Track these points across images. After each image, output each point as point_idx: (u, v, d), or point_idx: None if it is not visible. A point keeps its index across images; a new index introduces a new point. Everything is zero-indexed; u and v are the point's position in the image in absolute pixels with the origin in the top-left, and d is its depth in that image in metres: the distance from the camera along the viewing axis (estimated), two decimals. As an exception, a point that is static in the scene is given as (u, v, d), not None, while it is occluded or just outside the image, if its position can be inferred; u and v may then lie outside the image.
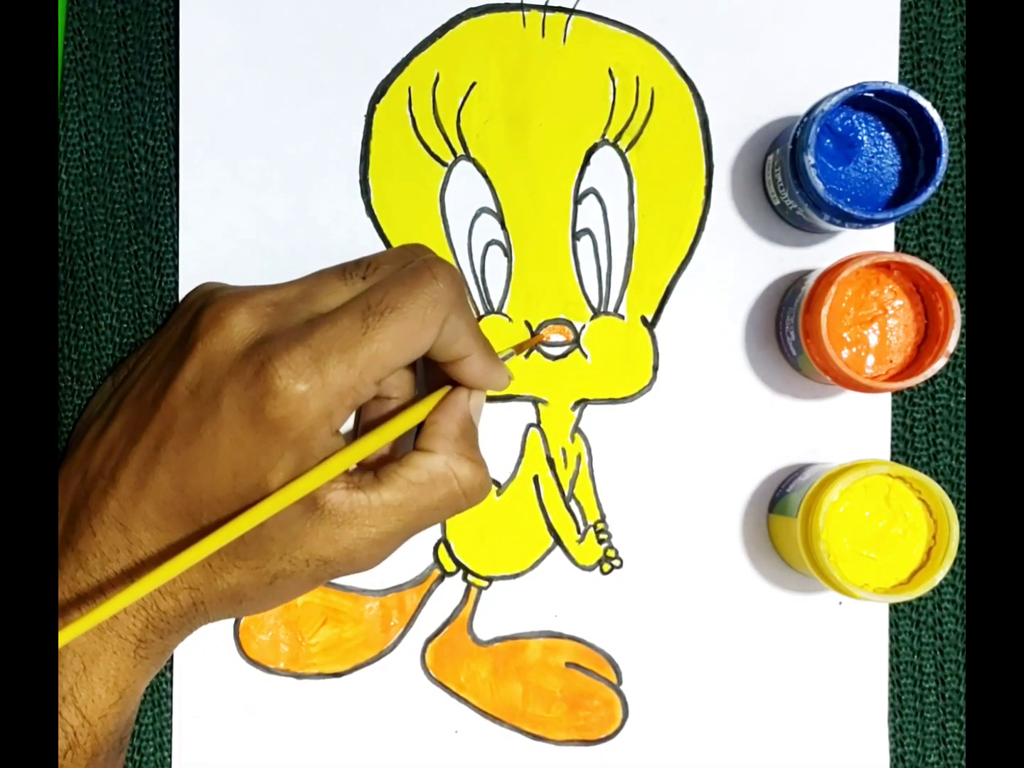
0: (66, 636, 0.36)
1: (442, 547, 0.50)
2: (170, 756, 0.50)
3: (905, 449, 0.50)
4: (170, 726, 0.50)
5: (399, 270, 0.40)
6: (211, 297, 0.42)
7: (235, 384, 0.38)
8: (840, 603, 0.50)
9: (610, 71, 0.50)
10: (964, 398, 0.50)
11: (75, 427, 0.48)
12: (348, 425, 0.47)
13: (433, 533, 0.50)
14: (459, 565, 0.50)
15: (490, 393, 0.50)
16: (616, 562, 0.50)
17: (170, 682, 0.50)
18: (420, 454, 0.41)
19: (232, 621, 0.50)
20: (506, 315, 0.50)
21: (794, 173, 0.46)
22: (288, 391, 0.37)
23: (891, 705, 0.50)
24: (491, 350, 0.44)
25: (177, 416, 0.39)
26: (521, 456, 0.50)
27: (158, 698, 0.50)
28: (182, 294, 0.50)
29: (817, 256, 0.50)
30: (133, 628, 0.41)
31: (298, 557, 0.40)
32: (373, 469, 0.41)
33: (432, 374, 0.46)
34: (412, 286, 0.39)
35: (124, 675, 0.41)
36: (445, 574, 0.50)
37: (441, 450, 0.41)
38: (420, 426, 0.43)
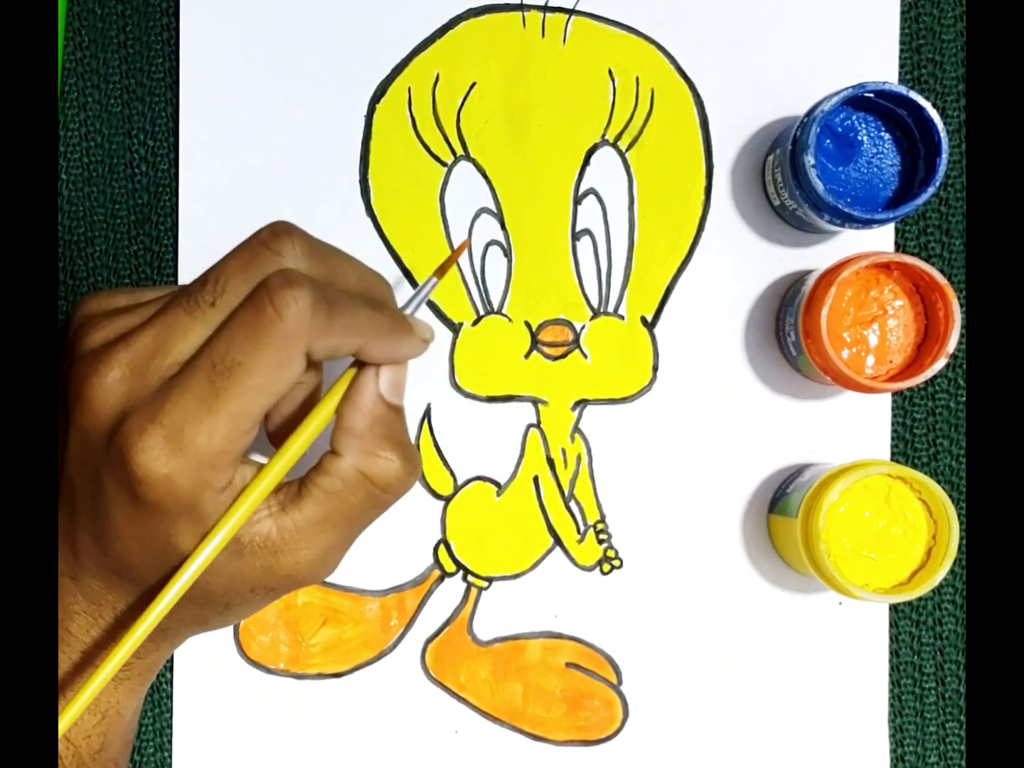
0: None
1: (442, 548, 0.50)
2: (170, 756, 0.50)
3: (905, 449, 0.50)
4: (170, 726, 0.50)
5: (243, 304, 0.36)
6: (76, 350, 0.39)
7: (107, 466, 0.36)
8: (840, 603, 0.50)
9: (610, 71, 0.50)
10: (964, 398, 0.50)
11: None
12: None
13: (433, 534, 0.50)
14: (459, 566, 0.50)
15: (489, 392, 0.50)
16: (616, 562, 0.50)
17: (170, 682, 0.50)
18: (330, 458, 0.38)
19: (232, 621, 0.50)
20: (506, 315, 0.50)
21: (794, 173, 0.46)
22: (150, 478, 0.35)
23: (891, 705, 0.50)
24: (392, 323, 0.38)
25: (76, 489, 0.38)
26: (521, 456, 0.50)
27: (158, 698, 0.50)
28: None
29: (817, 256, 0.50)
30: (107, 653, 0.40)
31: (242, 591, 0.39)
32: (299, 480, 0.39)
33: None
34: (255, 330, 0.34)
35: (105, 696, 0.41)
36: (445, 575, 0.50)
37: (347, 450, 0.37)
38: None
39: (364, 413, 0.38)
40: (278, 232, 0.37)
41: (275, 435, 0.41)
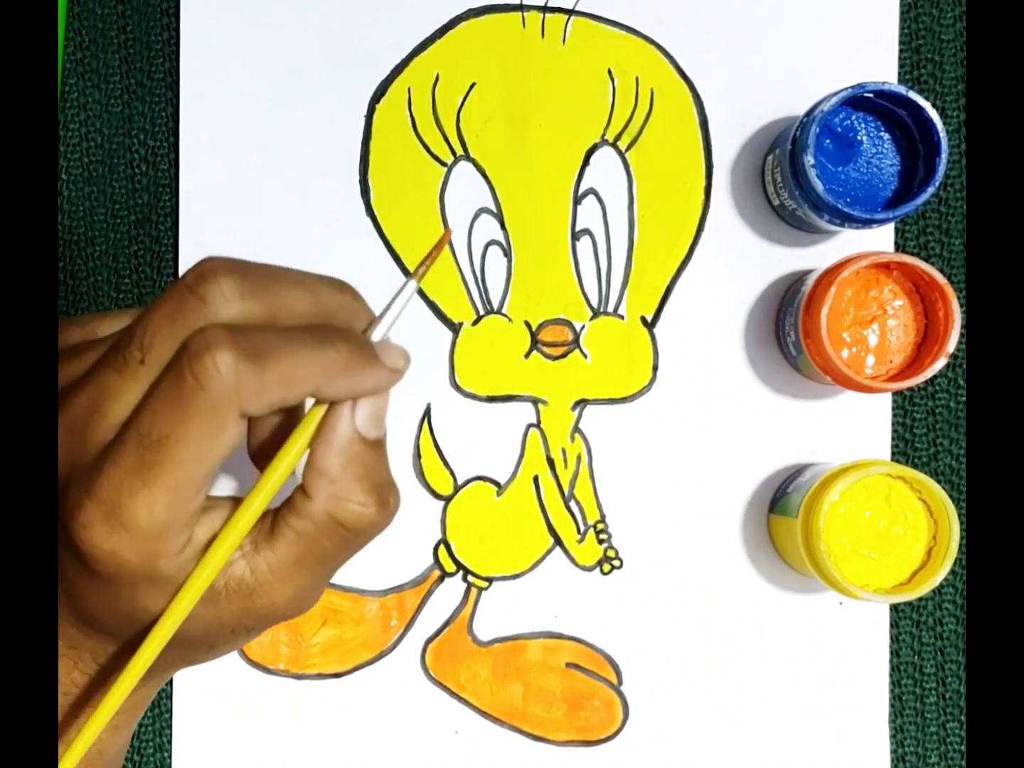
0: None
1: (442, 548, 0.50)
2: (170, 757, 0.50)
3: (905, 449, 0.50)
4: (170, 726, 0.50)
5: (165, 371, 0.33)
6: None
7: (61, 537, 0.34)
8: (840, 603, 0.50)
9: (610, 71, 0.50)
10: (964, 398, 0.50)
11: None
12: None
13: (433, 534, 0.50)
14: (459, 566, 0.50)
15: (489, 392, 0.50)
16: (616, 562, 0.50)
17: (170, 683, 0.50)
18: (301, 498, 0.35)
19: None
20: (506, 315, 0.50)
21: (794, 173, 0.46)
22: (97, 553, 0.33)
23: (892, 705, 0.50)
24: (347, 359, 0.33)
25: None
26: (521, 456, 0.50)
27: (158, 699, 0.50)
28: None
29: (817, 256, 0.50)
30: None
31: (223, 633, 0.37)
32: (272, 513, 0.36)
33: None
34: (177, 401, 0.32)
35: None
36: (445, 575, 0.50)
37: (318, 494, 0.34)
38: None
39: (338, 452, 0.34)
40: (203, 275, 0.33)
41: (256, 457, 0.39)
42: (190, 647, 0.37)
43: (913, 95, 0.45)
